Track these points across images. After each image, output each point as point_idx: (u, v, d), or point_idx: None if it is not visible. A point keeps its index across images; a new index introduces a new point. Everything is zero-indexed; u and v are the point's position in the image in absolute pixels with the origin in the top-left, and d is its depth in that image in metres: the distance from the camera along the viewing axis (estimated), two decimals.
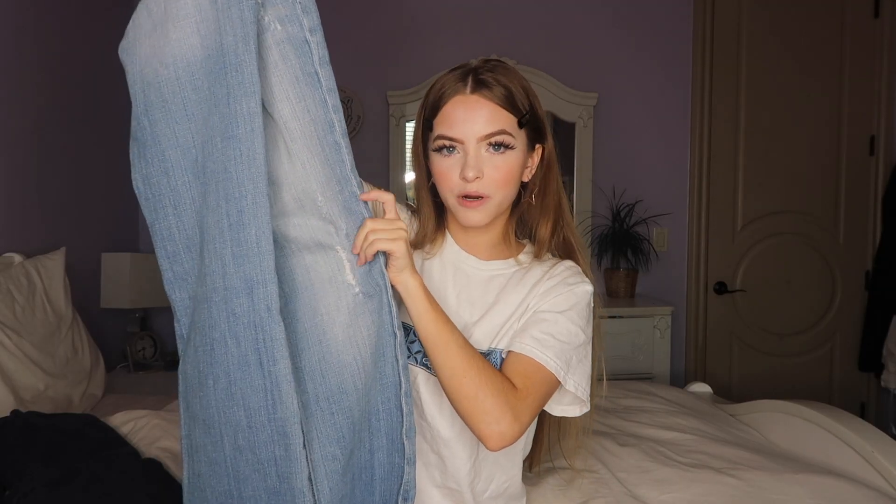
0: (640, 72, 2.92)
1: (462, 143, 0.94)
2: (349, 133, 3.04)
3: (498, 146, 0.94)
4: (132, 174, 0.79)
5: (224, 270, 0.72)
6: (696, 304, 2.96)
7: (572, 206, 2.89)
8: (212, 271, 0.73)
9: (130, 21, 0.76)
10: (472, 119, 0.94)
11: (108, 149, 2.54)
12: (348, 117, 2.78)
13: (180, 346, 0.82)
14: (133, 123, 0.77)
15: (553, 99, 2.84)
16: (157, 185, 0.77)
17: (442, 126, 0.95)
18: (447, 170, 0.95)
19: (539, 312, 0.97)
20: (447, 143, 0.95)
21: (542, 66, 2.82)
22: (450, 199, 0.97)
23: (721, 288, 2.94)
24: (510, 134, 0.95)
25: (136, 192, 0.79)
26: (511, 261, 1.05)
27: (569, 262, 1.04)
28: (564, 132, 2.89)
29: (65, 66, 2.20)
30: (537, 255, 1.05)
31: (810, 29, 2.91)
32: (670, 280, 2.97)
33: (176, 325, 0.83)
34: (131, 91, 0.77)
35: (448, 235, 1.07)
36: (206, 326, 0.74)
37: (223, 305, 0.73)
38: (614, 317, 2.58)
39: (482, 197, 0.94)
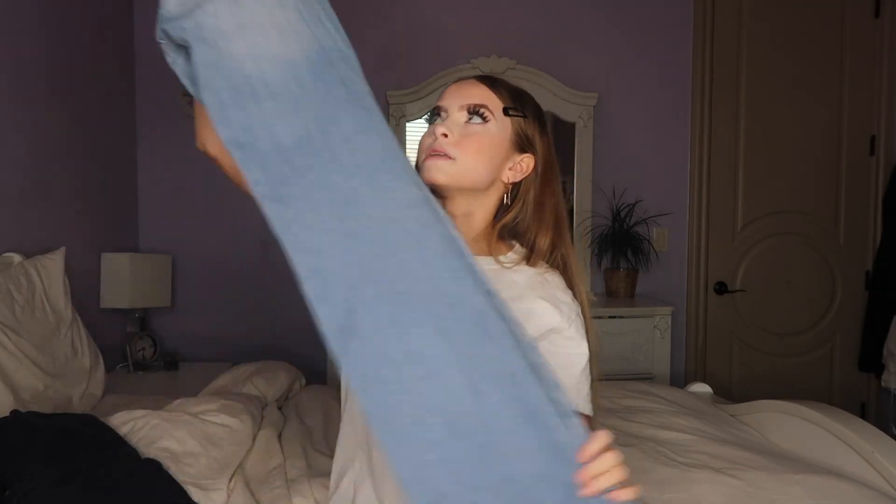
0: (640, 72, 2.92)
1: (446, 110, 1.00)
2: None
3: (474, 114, 0.98)
4: (244, 169, 0.73)
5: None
6: (696, 304, 2.96)
7: (572, 207, 2.89)
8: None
9: (202, 13, 0.73)
10: (462, 94, 1.00)
11: (108, 148, 2.54)
12: None
13: None
14: (233, 114, 0.73)
15: (553, 99, 2.83)
16: (279, 176, 0.74)
17: (439, 100, 1.02)
18: (426, 135, 1.00)
19: (551, 343, 0.97)
20: (435, 110, 1.01)
21: (542, 66, 2.82)
22: (421, 160, 1.00)
23: (721, 288, 2.94)
24: (490, 111, 0.99)
25: (257, 190, 0.73)
26: (491, 258, 1.03)
27: (558, 277, 1.03)
28: (564, 132, 2.89)
29: (65, 66, 2.20)
30: (531, 262, 1.03)
31: (810, 29, 2.91)
32: (670, 280, 2.97)
33: None
34: (220, 76, 0.73)
35: None
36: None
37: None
38: (614, 317, 2.58)
39: (447, 155, 0.97)
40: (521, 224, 1.05)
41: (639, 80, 2.92)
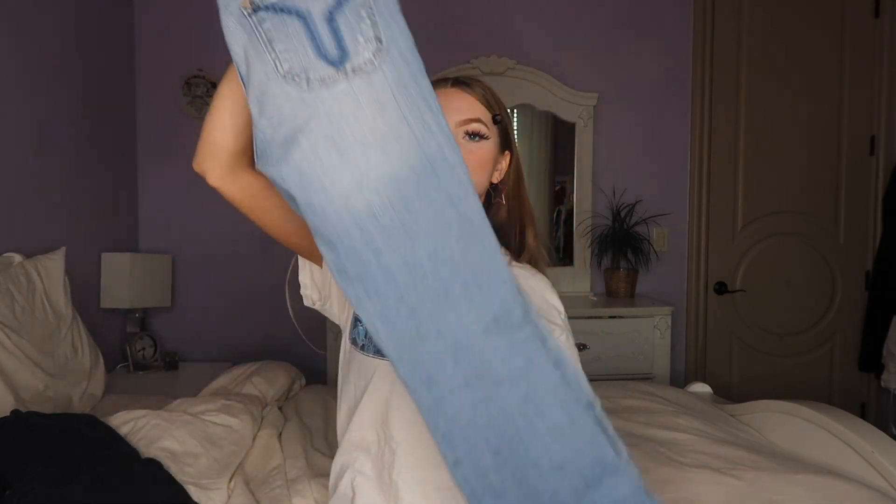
0: (640, 72, 2.92)
1: None
2: None
3: (474, 136, 0.99)
4: (363, 314, 0.68)
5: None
6: (696, 304, 2.96)
7: (572, 207, 2.90)
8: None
9: (300, 153, 0.66)
10: (452, 107, 0.99)
11: (108, 148, 2.54)
12: None
13: None
14: (348, 262, 0.67)
15: (553, 99, 2.83)
16: (398, 316, 0.68)
17: None
18: None
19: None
20: None
21: (542, 66, 2.82)
22: None
23: (721, 288, 2.94)
24: (485, 124, 1.00)
25: (374, 331, 0.68)
26: None
27: (541, 278, 1.07)
28: (564, 132, 2.89)
29: (66, 66, 2.20)
30: (520, 260, 1.07)
31: (810, 29, 2.91)
32: (670, 280, 2.97)
33: None
34: (328, 225, 0.67)
35: None
36: None
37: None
38: (614, 317, 2.57)
39: None
40: (496, 217, 1.08)
41: (639, 80, 2.92)
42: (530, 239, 1.07)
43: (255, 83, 0.66)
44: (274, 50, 0.65)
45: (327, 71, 0.64)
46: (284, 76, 0.65)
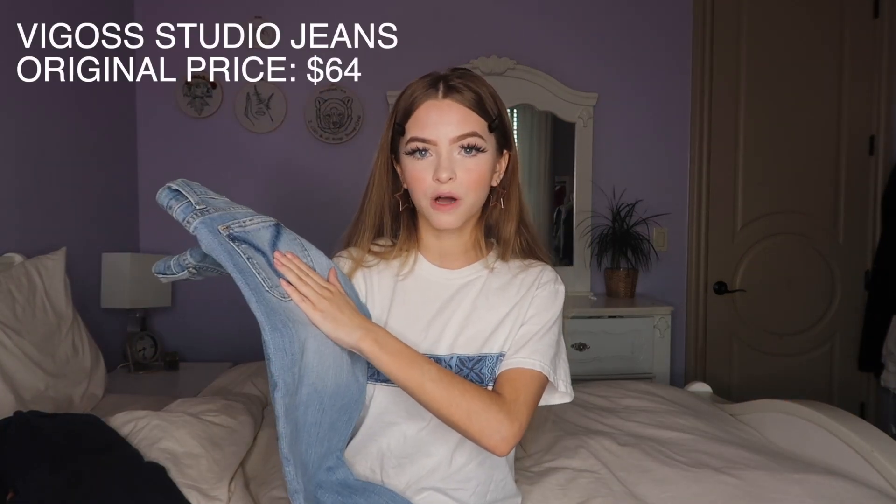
0: (640, 72, 2.92)
1: (435, 144, 0.96)
2: (350, 133, 3.01)
3: (470, 149, 0.96)
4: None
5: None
6: (696, 304, 2.96)
7: (572, 206, 2.90)
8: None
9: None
10: (445, 121, 0.96)
11: (108, 149, 2.54)
12: (348, 117, 2.79)
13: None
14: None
15: (553, 99, 2.84)
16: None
17: (415, 129, 0.97)
18: (421, 172, 0.97)
19: (528, 325, 1.02)
20: (420, 144, 0.97)
21: (542, 66, 2.83)
22: (423, 201, 0.99)
23: (721, 288, 2.94)
24: (481, 136, 0.97)
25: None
26: (480, 264, 1.08)
27: (549, 269, 1.09)
28: (564, 132, 2.89)
29: (65, 66, 2.20)
30: (503, 257, 1.08)
31: (810, 29, 2.91)
32: (670, 280, 2.97)
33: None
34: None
35: (420, 256, 1.08)
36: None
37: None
38: (614, 317, 2.58)
39: (455, 199, 0.97)
40: (494, 219, 1.09)
41: (639, 81, 2.92)
42: (505, 232, 1.06)
43: (253, 293, 0.89)
44: (260, 273, 0.90)
45: (281, 290, 0.92)
46: (270, 291, 0.91)
